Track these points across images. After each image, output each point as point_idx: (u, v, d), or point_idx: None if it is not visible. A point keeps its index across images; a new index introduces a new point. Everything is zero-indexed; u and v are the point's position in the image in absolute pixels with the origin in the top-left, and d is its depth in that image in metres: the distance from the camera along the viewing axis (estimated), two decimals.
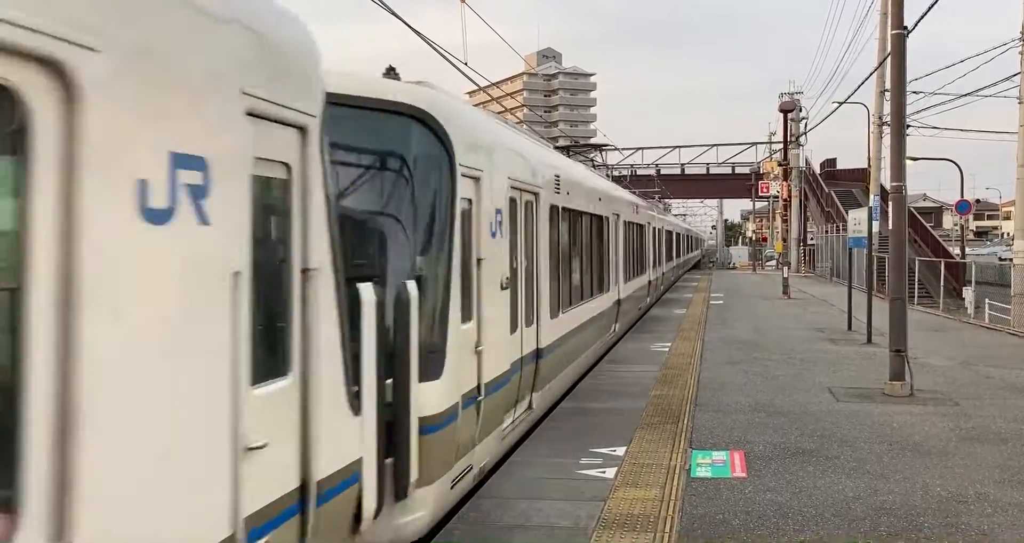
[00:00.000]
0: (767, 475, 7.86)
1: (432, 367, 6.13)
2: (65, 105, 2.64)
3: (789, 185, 49.48)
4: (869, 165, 37.93)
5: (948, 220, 68.28)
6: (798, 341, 17.93)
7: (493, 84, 19.97)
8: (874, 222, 18.68)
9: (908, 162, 15.55)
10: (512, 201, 8.45)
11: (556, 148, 16.79)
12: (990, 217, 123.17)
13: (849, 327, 19.79)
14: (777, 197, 58.60)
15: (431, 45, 12.00)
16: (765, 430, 9.65)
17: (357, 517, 5.00)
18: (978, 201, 66.24)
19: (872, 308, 17.88)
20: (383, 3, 9.84)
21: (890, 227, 13.36)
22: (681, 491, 7.35)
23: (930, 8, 13.10)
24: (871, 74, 31.28)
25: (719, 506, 6.97)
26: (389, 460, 5.54)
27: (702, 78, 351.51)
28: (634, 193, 25.85)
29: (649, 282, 23.92)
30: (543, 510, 6.85)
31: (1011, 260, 23.07)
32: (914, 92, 30.07)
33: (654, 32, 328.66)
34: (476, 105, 10.31)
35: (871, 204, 21.86)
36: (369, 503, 5.07)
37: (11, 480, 2.44)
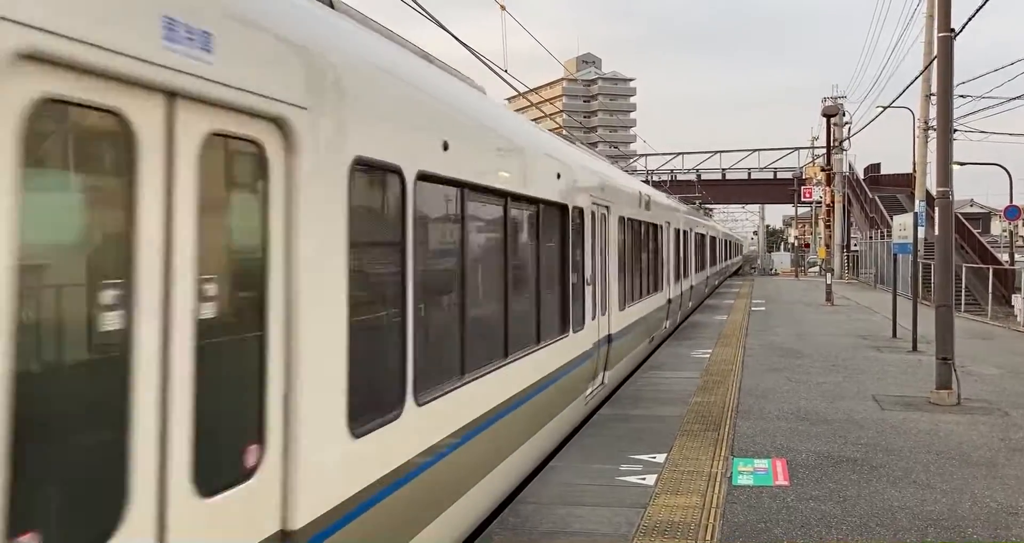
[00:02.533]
0: (810, 484, 7.77)
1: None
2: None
3: (832, 190, 48.90)
4: (915, 170, 37.36)
5: (996, 226, 66.87)
6: (841, 348, 17.68)
7: (532, 90, 20.00)
8: (920, 228, 18.38)
9: (955, 167, 15.28)
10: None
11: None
12: None
13: (894, 334, 19.48)
14: (820, 202, 57.86)
15: (473, 53, 12.07)
16: (808, 438, 9.53)
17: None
18: None
19: (918, 315, 17.59)
20: (425, 11, 9.92)
21: (936, 233, 13.14)
22: (722, 499, 7.29)
23: (978, 10, 12.88)
24: (917, 78, 30.84)
25: (761, 514, 6.90)
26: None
27: (744, 82, 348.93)
28: (673, 198, 26.04)
29: (691, 286, 25.05)
30: (583, 516, 6.83)
31: None
32: (961, 96, 29.52)
33: (695, 36, 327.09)
34: (516, 111, 10.37)
35: (917, 210, 21.50)
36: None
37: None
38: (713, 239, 36.64)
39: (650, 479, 7.84)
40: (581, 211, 9.80)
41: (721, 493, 7.45)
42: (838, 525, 6.66)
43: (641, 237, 14.89)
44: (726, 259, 50.17)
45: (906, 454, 8.87)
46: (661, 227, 17.83)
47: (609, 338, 11.58)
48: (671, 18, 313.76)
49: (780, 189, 70.84)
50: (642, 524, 6.63)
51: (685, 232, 23.64)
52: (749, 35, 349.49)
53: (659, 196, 19.86)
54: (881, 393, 12.40)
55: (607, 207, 11.51)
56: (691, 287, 25.02)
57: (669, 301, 18.92)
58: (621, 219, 12.60)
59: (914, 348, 17.06)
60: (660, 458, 8.59)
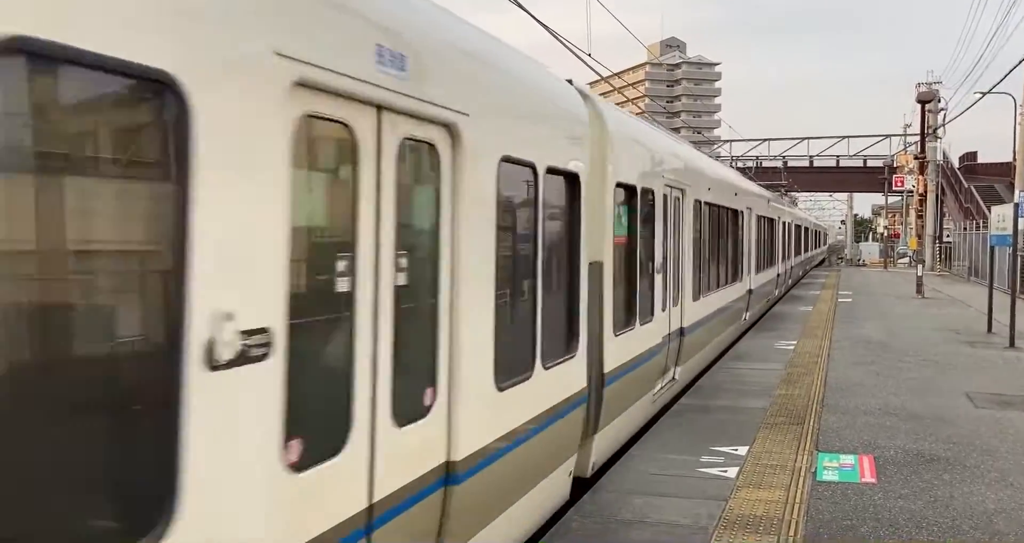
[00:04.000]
0: (899, 482, 7.52)
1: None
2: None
3: (925, 179, 47.26)
4: (1015, 158, 35.78)
5: None
6: (933, 343, 17.09)
7: (615, 74, 19.80)
8: (1020, 219, 17.59)
9: None
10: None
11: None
12: None
13: (989, 329, 18.73)
14: (912, 192, 56.01)
15: (556, 37, 11.98)
16: (896, 435, 9.24)
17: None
18: None
19: (1015, 310, 16.86)
20: None
21: None
22: (806, 494, 7.12)
23: None
24: (1020, 63, 29.45)
25: (846, 512, 6.72)
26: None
27: (835, 67, 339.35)
28: (756, 184, 25.53)
29: (777, 275, 24.60)
30: (662, 507, 6.76)
31: None
32: None
33: (785, 20, 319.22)
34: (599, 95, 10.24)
35: (1017, 200, 20.60)
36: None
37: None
38: (798, 227, 35.94)
39: (731, 472, 7.71)
40: (651, 193, 9.38)
41: (805, 488, 7.27)
42: (928, 526, 6.43)
43: (720, 223, 14.25)
44: (811, 249, 48.98)
45: (1003, 455, 8.51)
46: (742, 213, 17.12)
47: (681, 331, 10.98)
48: (760, 0, 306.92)
49: (870, 177, 68.76)
50: (723, 517, 6.52)
51: (770, 219, 22.92)
52: (842, 19, 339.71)
53: (740, 180, 19.08)
54: (975, 390, 11.93)
55: (682, 190, 11.00)
56: (776, 276, 24.45)
57: (750, 291, 18.34)
58: (697, 203, 12.06)
59: (1011, 344, 16.37)
60: (742, 451, 8.43)
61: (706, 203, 12.84)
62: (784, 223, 27.99)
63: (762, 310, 21.77)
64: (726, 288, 15.02)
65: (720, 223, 14.33)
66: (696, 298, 12.00)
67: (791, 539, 6.09)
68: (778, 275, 25.14)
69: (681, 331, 10.97)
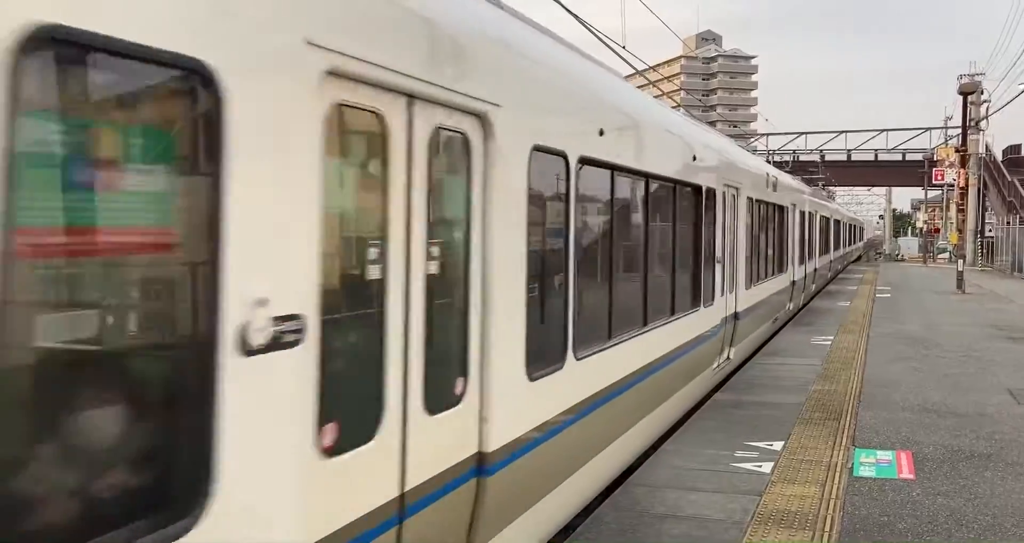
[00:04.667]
0: (938, 478, 7.41)
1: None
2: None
3: (967, 173, 46.44)
4: None
5: None
6: (974, 339, 16.79)
7: (651, 67, 19.66)
8: None
9: None
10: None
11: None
12: None
13: None
14: (952, 185, 55.05)
15: (589, 29, 11.92)
16: (935, 431, 9.10)
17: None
18: None
19: None
20: None
21: None
22: (843, 490, 7.03)
23: None
24: None
25: (884, 508, 6.63)
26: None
27: (874, 59, 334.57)
28: (797, 180, 25.54)
29: (815, 268, 25.16)
30: (695, 501, 6.71)
31: None
32: None
33: (822, 12, 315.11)
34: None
35: None
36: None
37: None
38: (837, 222, 36.26)
39: (766, 467, 7.64)
40: (713, 192, 10.42)
41: (841, 484, 7.19)
42: (969, 523, 6.32)
43: (767, 218, 15.18)
44: (850, 243, 48.46)
45: None
46: (786, 209, 17.85)
47: (736, 315, 12.11)
48: None
49: (909, 171, 67.62)
50: (757, 512, 6.46)
51: (810, 214, 23.48)
52: (881, 10, 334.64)
53: (785, 178, 19.78)
54: (1018, 387, 11.70)
55: (736, 188, 12.08)
56: (815, 270, 24.88)
57: (793, 283, 18.99)
58: (749, 200, 13.13)
59: None
60: (777, 446, 8.35)
61: (756, 200, 13.92)
62: (823, 218, 28.51)
63: (805, 300, 22.41)
64: (773, 279, 16.03)
65: (767, 219, 15.23)
66: (748, 287, 13.24)
67: (826, 535, 6.02)
68: (817, 268, 25.82)
69: (736, 315, 12.15)
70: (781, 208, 17.09)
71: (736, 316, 12.16)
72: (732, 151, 13.02)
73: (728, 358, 11.94)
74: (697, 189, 9.77)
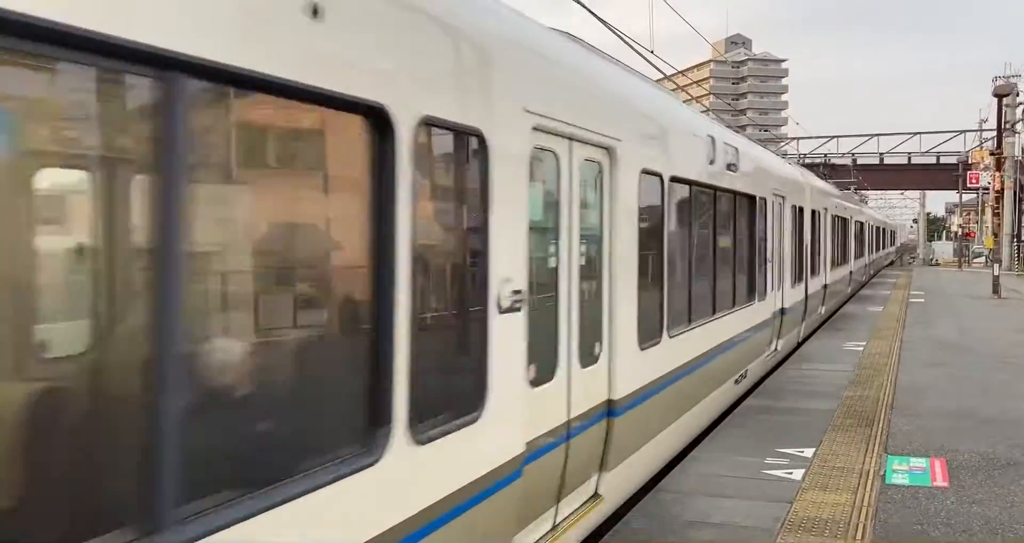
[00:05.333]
0: (972, 486, 7.30)
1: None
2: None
3: (1002, 176, 45.77)
4: None
5: None
6: (1010, 345, 16.52)
7: (679, 72, 19.59)
8: None
9: None
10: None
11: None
12: None
13: None
14: (988, 189, 54.26)
15: (616, 34, 11.90)
16: (970, 438, 8.96)
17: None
18: None
19: None
20: None
21: None
22: (875, 498, 6.95)
23: None
24: None
25: (917, 516, 6.54)
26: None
27: (906, 61, 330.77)
28: (830, 185, 25.72)
29: (849, 272, 26.12)
30: (725, 508, 6.67)
31: None
32: None
33: (854, 14, 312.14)
34: None
35: None
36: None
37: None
38: (873, 227, 37.27)
39: (797, 474, 7.57)
40: (765, 201, 12.20)
41: (873, 492, 7.10)
42: (1004, 532, 6.22)
43: (805, 224, 16.43)
44: (882, 248, 48.01)
45: None
46: (820, 214, 18.72)
47: (782, 310, 13.70)
48: None
49: (943, 175, 66.71)
50: (788, 519, 6.41)
51: (844, 219, 24.25)
52: (914, 12, 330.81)
53: (821, 185, 20.93)
54: None
55: (782, 197, 13.68)
56: (849, 274, 25.49)
57: (825, 286, 19.53)
58: (793, 207, 14.76)
59: None
60: (808, 453, 8.28)
61: (798, 207, 15.41)
62: (858, 223, 29.43)
63: (837, 304, 22.77)
64: (810, 281, 17.11)
65: (805, 224, 16.49)
66: (792, 286, 14.78)
67: None
68: (852, 272, 26.54)
69: (782, 310, 13.66)
70: (816, 214, 18.13)
71: (783, 311, 13.73)
72: (778, 164, 14.72)
73: (776, 349, 13.40)
74: (752, 199, 11.36)
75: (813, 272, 17.70)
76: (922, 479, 7.50)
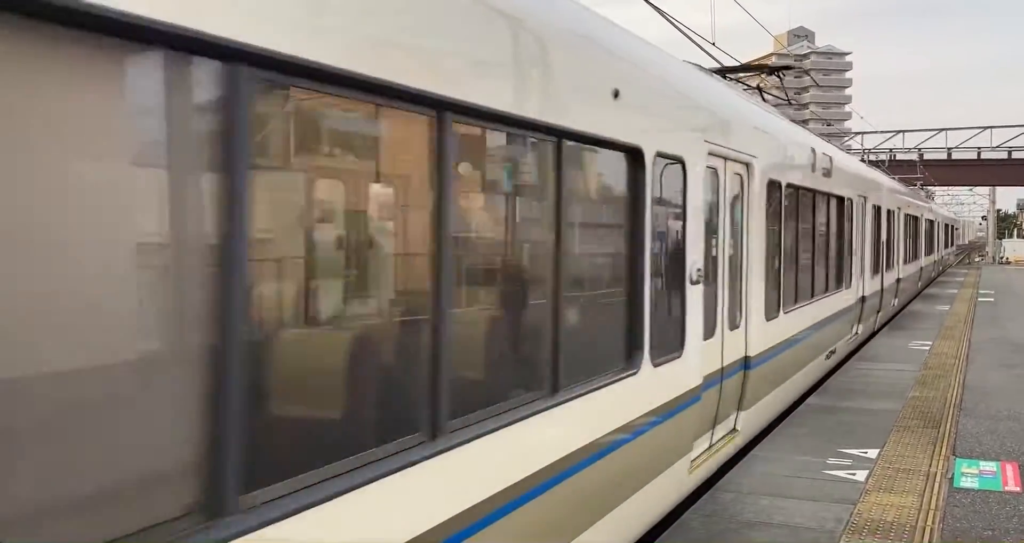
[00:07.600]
0: None
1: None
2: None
3: None
4: None
5: None
6: None
7: (742, 65, 19.27)
8: None
9: None
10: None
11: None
12: None
13: None
14: None
15: (677, 27, 11.75)
16: None
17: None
18: None
19: None
20: None
21: None
22: (942, 501, 6.76)
23: None
24: None
25: (987, 521, 6.34)
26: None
27: (977, 54, 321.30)
28: (901, 183, 25.55)
29: (920, 268, 27.25)
30: (786, 508, 6.54)
31: None
32: None
33: (921, 7, 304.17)
34: None
35: None
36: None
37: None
38: (944, 225, 38.87)
39: (860, 475, 7.40)
40: (851, 200, 13.89)
41: (941, 495, 6.91)
42: None
43: (881, 222, 17.74)
44: (949, 245, 46.87)
45: None
46: (894, 213, 20.02)
47: (863, 298, 15.23)
48: None
49: (1015, 170, 64.62)
50: (851, 521, 6.26)
51: (915, 217, 25.34)
52: (982, 3, 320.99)
53: (895, 185, 22.24)
54: None
55: (864, 197, 15.24)
56: (920, 269, 26.54)
57: (898, 280, 20.75)
58: (873, 207, 16.36)
59: None
60: (872, 453, 8.09)
61: (875, 206, 16.79)
62: (928, 221, 30.52)
63: (906, 300, 23.40)
64: (884, 275, 18.26)
65: (881, 222, 17.77)
66: (872, 277, 16.26)
67: None
68: (923, 267, 27.75)
69: (863, 298, 15.21)
70: (891, 212, 19.42)
71: (863, 299, 15.24)
72: (861, 168, 16.45)
73: (856, 334, 14.86)
74: (841, 200, 13.11)
75: (888, 267, 18.95)
76: (992, 483, 7.27)
